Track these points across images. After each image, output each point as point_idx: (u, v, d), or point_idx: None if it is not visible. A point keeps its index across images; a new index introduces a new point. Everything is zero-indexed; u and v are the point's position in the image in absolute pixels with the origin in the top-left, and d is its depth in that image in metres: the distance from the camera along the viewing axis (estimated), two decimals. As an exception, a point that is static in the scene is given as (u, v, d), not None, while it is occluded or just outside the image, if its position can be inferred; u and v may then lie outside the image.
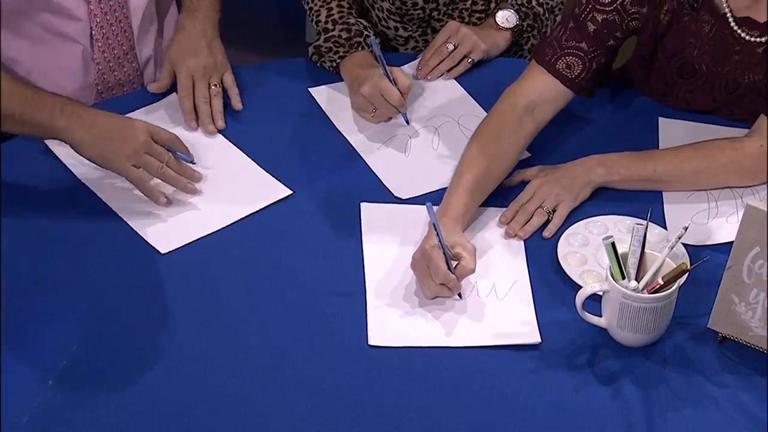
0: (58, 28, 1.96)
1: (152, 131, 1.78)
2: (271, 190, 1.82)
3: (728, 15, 1.79)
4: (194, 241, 1.72)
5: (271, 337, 1.58)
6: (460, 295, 1.63)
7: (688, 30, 1.83)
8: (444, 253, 1.59)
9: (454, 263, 1.61)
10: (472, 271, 1.62)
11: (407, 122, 1.98)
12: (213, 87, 1.96)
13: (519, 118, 1.82)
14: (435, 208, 1.63)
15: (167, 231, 1.74)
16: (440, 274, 1.59)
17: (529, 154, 1.89)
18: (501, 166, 1.79)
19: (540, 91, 1.83)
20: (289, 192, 1.82)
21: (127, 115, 1.85)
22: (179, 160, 1.80)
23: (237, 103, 1.97)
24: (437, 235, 1.58)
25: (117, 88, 2.07)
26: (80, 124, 1.74)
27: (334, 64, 2.06)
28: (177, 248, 1.71)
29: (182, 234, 1.73)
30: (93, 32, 1.98)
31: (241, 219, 1.76)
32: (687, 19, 1.82)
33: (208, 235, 1.74)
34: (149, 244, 1.71)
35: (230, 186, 1.83)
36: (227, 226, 1.75)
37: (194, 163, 1.84)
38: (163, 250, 1.70)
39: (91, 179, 1.81)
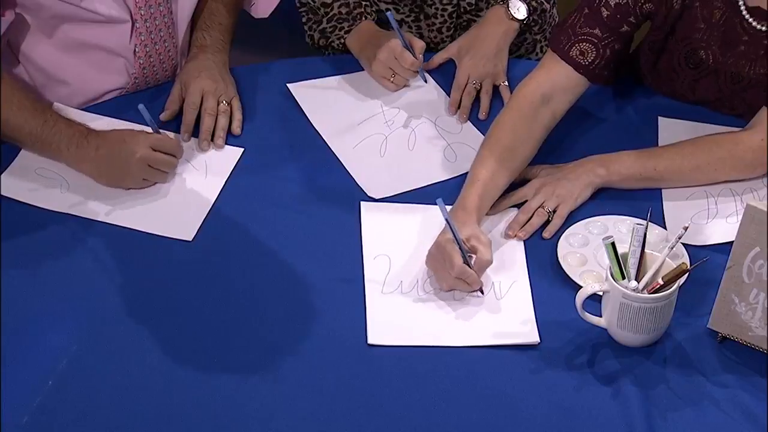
0: (100, 40, 1.96)
1: (153, 144, 1.80)
2: (229, 155, 1.90)
3: (740, 3, 1.79)
4: (196, 236, 1.73)
5: (270, 336, 1.58)
6: (481, 291, 1.62)
7: (699, 15, 1.83)
8: (459, 248, 1.59)
9: (472, 257, 1.61)
10: (489, 262, 1.61)
11: (425, 81, 2.04)
12: (222, 104, 1.95)
13: (535, 109, 1.81)
14: (448, 207, 1.63)
15: (176, 221, 1.76)
16: (456, 268, 1.58)
17: None
18: (516, 159, 1.78)
19: (555, 80, 1.83)
20: (241, 150, 1.90)
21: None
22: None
23: (237, 128, 1.95)
24: (451, 230, 1.58)
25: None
26: (84, 157, 1.80)
27: (342, 41, 2.08)
28: (178, 240, 1.72)
29: (192, 216, 1.76)
30: (136, 49, 1.98)
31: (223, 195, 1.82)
32: (699, 4, 1.82)
33: (205, 224, 1.75)
34: (165, 239, 1.73)
35: (196, 167, 1.88)
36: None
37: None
38: (189, 237, 1.73)
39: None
